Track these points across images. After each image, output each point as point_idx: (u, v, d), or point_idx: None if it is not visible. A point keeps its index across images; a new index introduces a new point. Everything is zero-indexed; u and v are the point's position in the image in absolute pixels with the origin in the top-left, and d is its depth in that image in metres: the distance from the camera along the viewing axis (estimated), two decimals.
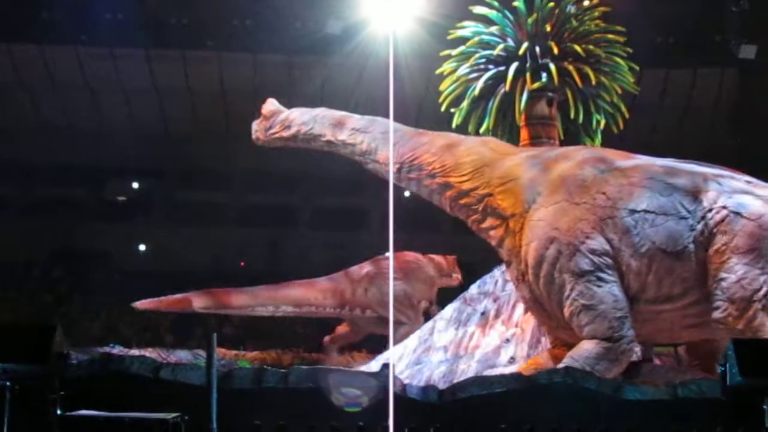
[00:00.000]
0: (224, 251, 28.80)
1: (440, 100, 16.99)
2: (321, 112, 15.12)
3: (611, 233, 11.94)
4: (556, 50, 16.45)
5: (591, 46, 16.72)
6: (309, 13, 24.22)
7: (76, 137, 27.86)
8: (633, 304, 12.07)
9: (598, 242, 11.92)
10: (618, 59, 16.90)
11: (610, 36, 16.97)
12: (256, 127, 15.74)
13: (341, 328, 19.58)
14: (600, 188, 12.18)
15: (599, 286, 11.85)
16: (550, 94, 16.43)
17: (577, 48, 16.49)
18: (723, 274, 11.62)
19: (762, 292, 11.53)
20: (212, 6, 26.51)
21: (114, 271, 28.06)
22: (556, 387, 10.51)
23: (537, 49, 16.51)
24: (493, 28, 16.98)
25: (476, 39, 17.01)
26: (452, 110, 16.84)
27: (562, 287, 12.04)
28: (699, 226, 11.83)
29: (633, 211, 11.97)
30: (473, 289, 15.35)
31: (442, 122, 17.15)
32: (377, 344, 18.04)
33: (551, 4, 16.91)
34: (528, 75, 16.36)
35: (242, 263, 29.74)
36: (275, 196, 29.37)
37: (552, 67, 16.30)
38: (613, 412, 10.28)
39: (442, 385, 12.20)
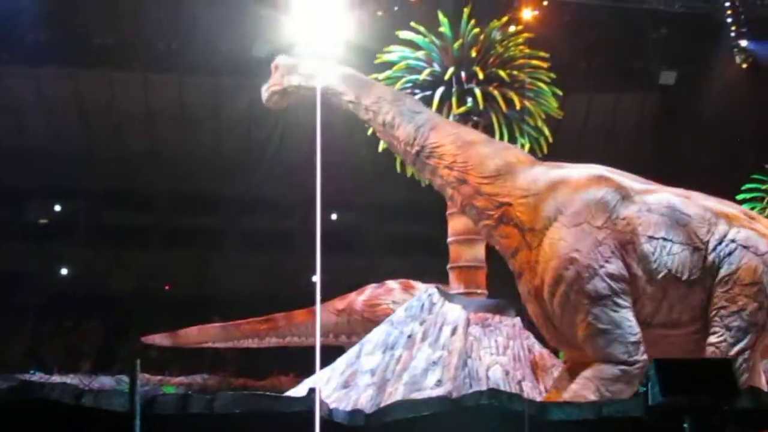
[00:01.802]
0: (149, 274, 28.42)
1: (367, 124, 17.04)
2: (347, 70, 14.44)
3: (630, 258, 12.07)
4: (481, 75, 16.69)
5: (516, 72, 17.03)
6: (235, 35, 24.14)
7: None
8: (643, 327, 12.21)
9: (616, 267, 11.98)
10: (542, 84, 17.22)
11: (534, 62, 17.29)
12: (268, 83, 14.65)
13: None
14: (620, 213, 12.27)
15: (615, 311, 11.90)
16: (475, 118, 16.65)
17: (502, 73, 16.76)
18: (724, 303, 11.94)
19: (758, 326, 11.92)
20: (138, 27, 26.26)
21: (34, 294, 27.46)
22: (483, 409, 10.55)
23: (463, 74, 16.74)
24: (420, 53, 17.17)
25: (403, 64, 17.19)
26: None
27: (577, 309, 11.99)
28: (710, 258, 12.11)
29: (652, 238, 12.11)
30: (400, 312, 15.37)
31: (370, 145, 17.23)
32: (306, 368, 17.94)
33: (477, 30, 17.17)
34: (454, 99, 16.57)
35: (167, 286, 29.40)
36: (201, 218, 29.08)
37: (477, 91, 16.53)
38: None
39: (369, 409, 12.16)
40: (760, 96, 25.23)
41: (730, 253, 12.10)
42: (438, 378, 13.57)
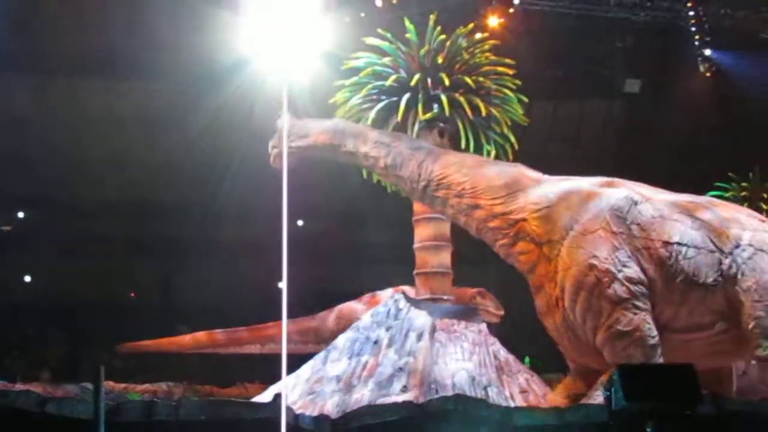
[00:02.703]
0: (114, 282, 28.19)
1: None
2: (340, 122, 14.92)
3: (646, 263, 12.25)
4: (447, 82, 16.72)
5: (481, 78, 17.08)
6: (201, 43, 24.03)
7: None
8: (664, 332, 12.38)
9: (634, 271, 12.19)
10: (507, 91, 17.29)
11: (500, 69, 17.35)
12: (273, 143, 15.04)
13: None
14: (635, 219, 12.49)
15: (635, 314, 12.09)
16: (441, 124, 16.69)
17: (468, 80, 16.81)
18: (759, 313, 12.07)
19: None
20: (103, 34, 26.08)
21: None
22: (449, 414, 10.57)
23: (429, 80, 16.76)
24: (386, 59, 17.19)
25: (369, 69, 17.19)
26: None
27: (598, 313, 12.19)
28: (727, 261, 12.29)
29: (667, 243, 12.31)
30: (366, 318, 15.37)
31: None
32: (272, 376, 17.88)
33: (443, 36, 17.20)
34: (420, 106, 16.59)
35: (133, 294, 29.18)
36: (166, 226, 28.87)
37: (443, 98, 16.57)
38: None
39: (335, 415, 12.15)
40: (724, 104, 25.51)
41: (749, 258, 12.27)
42: (404, 384, 13.58)
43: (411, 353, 14.04)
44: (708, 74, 25.44)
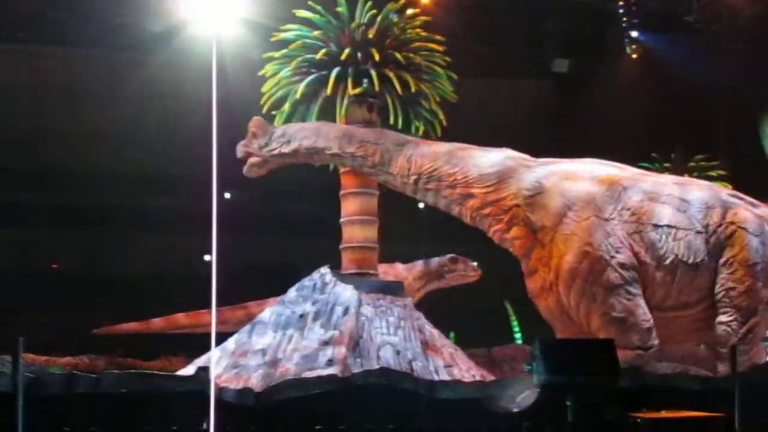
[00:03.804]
0: (34, 254, 27.64)
1: (262, 102, 16.93)
2: (322, 125, 15.06)
3: (638, 247, 12.69)
4: (377, 57, 16.68)
5: (412, 54, 17.07)
6: (128, 8, 23.57)
7: None
8: (653, 311, 12.87)
9: (626, 256, 12.66)
10: (437, 68, 17.32)
11: (431, 45, 17.37)
12: (244, 148, 14.75)
13: None
14: (625, 204, 12.88)
15: (629, 299, 12.57)
16: (370, 99, 16.66)
17: (398, 55, 16.80)
18: (731, 284, 12.82)
19: (764, 303, 12.95)
20: None
21: None
22: (373, 387, 10.64)
23: (359, 54, 16.70)
24: (317, 33, 17.06)
25: (299, 42, 17.05)
26: (274, 113, 16.82)
27: (593, 300, 12.71)
28: (712, 240, 12.99)
29: (657, 226, 12.87)
30: (292, 291, 15.35)
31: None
32: (196, 350, 17.74)
33: (374, 11, 17.15)
34: (350, 80, 16.53)
35: (55, 265, 28.68)
36: (91, 195, 28.37)
37: (373, 73, 16.53)
38: (428, 411, 10.50)
39: (260, 389, 12.12)
40: (650, 86, 25.90)
41: (730, 235, 12.83)
42: (329, 357, 13.63)
43: (337, 327, 14.09)
44: (635, 56, 25.82)
